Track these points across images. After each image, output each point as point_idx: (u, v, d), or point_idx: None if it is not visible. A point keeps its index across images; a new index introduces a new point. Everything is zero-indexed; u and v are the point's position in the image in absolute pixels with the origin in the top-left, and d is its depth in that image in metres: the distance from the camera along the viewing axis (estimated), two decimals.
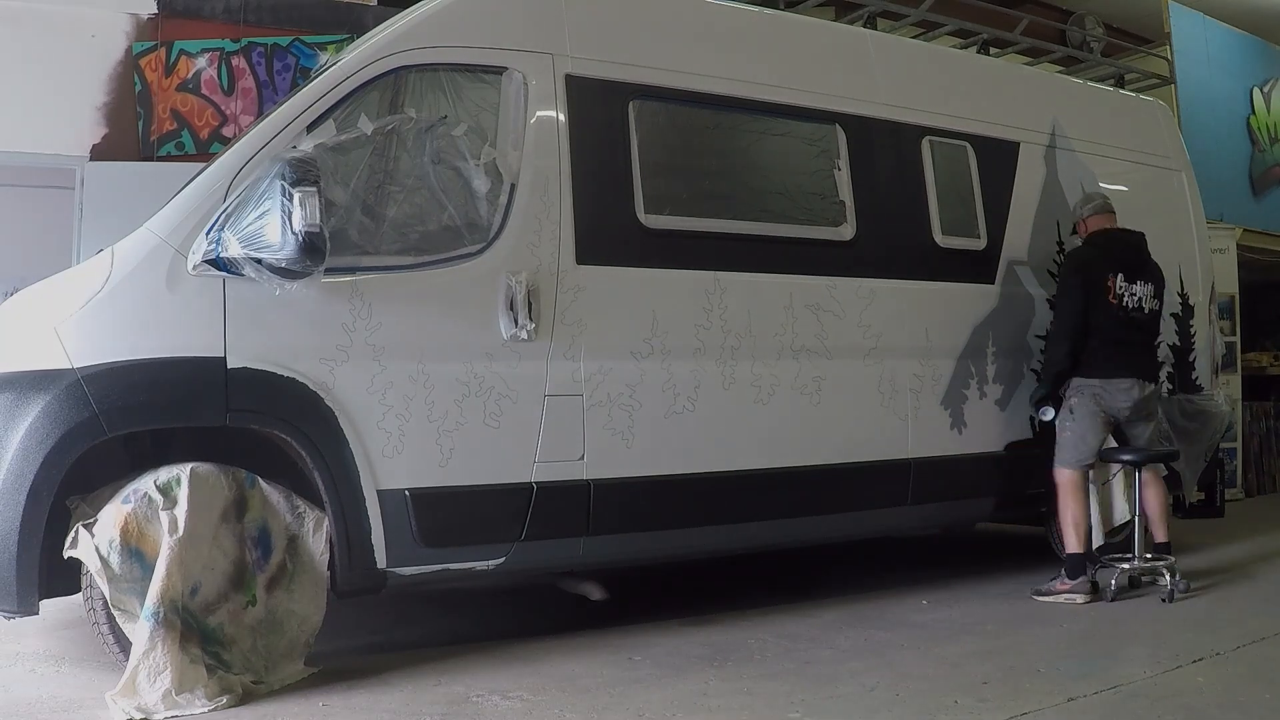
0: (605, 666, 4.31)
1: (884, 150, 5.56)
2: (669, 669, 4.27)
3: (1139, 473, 5.67)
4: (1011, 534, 7.27)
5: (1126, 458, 5.70)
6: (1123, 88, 7.63)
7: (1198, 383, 6.83)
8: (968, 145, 5.89)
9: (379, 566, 4.19)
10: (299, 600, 4.05)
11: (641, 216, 4.75)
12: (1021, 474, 5.96)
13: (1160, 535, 5.76)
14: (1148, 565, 5.57)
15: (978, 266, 5.84)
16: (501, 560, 4.45)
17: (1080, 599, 5.36)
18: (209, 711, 3.65)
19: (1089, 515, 5.65)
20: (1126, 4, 10.93)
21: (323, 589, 4.10)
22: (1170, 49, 9.86)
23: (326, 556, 4.09)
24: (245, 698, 3.77)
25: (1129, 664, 4.28)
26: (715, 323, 4.88)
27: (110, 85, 6.86)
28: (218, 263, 3.89)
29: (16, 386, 3.78)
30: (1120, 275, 5.65)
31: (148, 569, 3.72)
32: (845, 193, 5.35)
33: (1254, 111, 11.09)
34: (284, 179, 3.82)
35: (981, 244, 5.87)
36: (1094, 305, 5.62)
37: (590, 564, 4.83)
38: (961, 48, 7.27)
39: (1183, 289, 6.82)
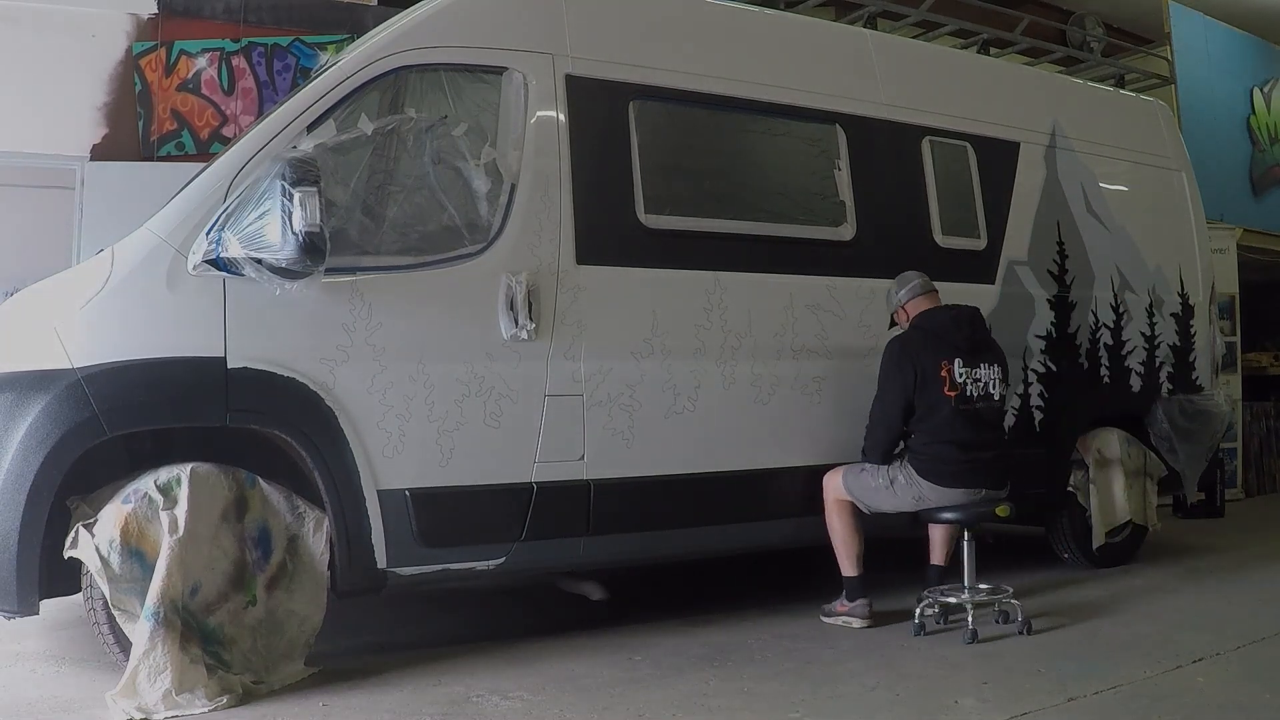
0: (605, 666, 4.31)
1: (884, 150, 5.56)
2: (669, 669, 4.27)
3: (966, 531, 4.92)
4: (1011, 534, 7.27)
5: (950, 516, 4.93)
6: (1123, 88, 7.65)
7: (1198, 383, 6.83)
8: (968, 145, 5.89)
9: (379, 566, 4.19)
10: (299, 600, 4.05)
11: (642, 216, 4.75)
12: (1021, 473, 5.95)
13: (939, 558, 5.25)
14: (981, 599, 4.84)
15: (978, 266, 5.84)
16: (501, 560, 4.45)
17: (857, 623, 4.86)
18: (209, 711, 3.65)
19: (858, 535, 4.94)
20: (1126, 4, 10.93)
21: (323, 589, 4.10)
22: (1170, 49, 9.88)
23: (326, 556, 4.09)
24: (245, 698, 3.77)
25: (1129, 664, 4.28)
26: (715, 323, 4.88)
27: (110, 85, 6.86)
28: (218, 263, 3.89)
29: (17, 386, 3.78)
30: (959, 361, 4.85)
31: (148, 569, 3.72)
32: (845, 193, 5.35)
33: (1254, 111, 11.09)
34: (284, 179, 3.82)
35: (981, 244, 5.88)
36: (923, 401, 4.81)
37: (590, 564, 4.83)
38: (961, 48, 7.29)
39: (1183, 289, 6.83)
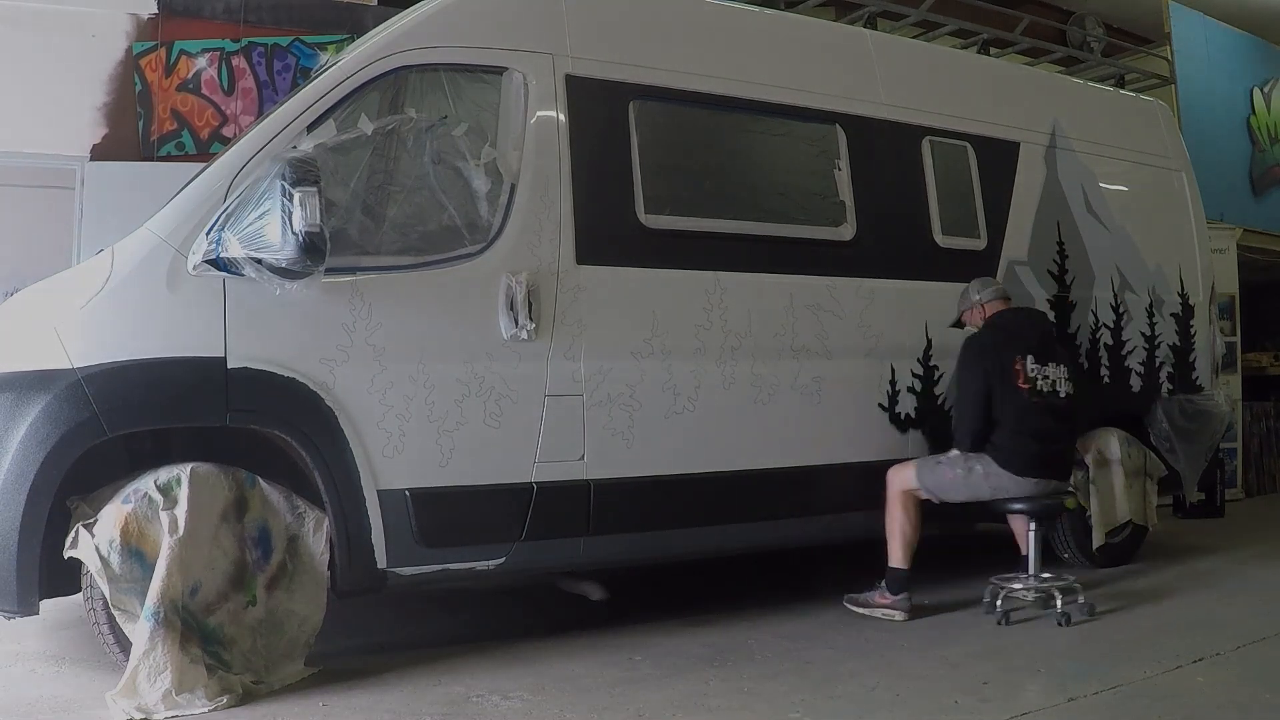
0: (605, 666, 4.31)
1: (884, 150, 5.56)
2: (669, 669, 4.27)
3: (1034, 521, 5.19)
4: (1011, 534, 7.25)
5: (1020, 507, 5.18)
6: (1123, 88, 7.64)
7: (1198, 383, 6.83)
8: (968, 145, 5.89)
9: (379, 566, 4.19)
10: (299, 600, 4.05)
11: (642, 216, 4.75)
12: None
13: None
14: (1043, 585, 5.10)
15: (978, 266, 5.83)
16: (502, 560, 4.45)
17: (899, 616, 4.98)
18: (209, 711, 3.65)
19: (918, 530, 5.12)
20: (1126, 4, 10.93)
21: (323, 589, 4.10)
22: (1170, 49, 9.87)
23: (326, 556, 4.09)
24: (245, 698, 3.77)
25: (1129, 664, 4.28)
26: (715, 323, 4.88)
27: (110, 85, 6.86)
28: (218, 263, 3.89)
29: (17, 386, 3.77)
30: (1030, 357, 5.13)
31: (148, 569, 3.72)
32: (845, 193, 5.35)
33: (1254, 111, 11.09)
34: (284, 179, 3.82)
35: (981, 244, 5.88)
36: (1002, 393, 5.07)
37: (590, 564, 4.83)
38: (961, 48, 7.28)
39: (1183, 289, 6.83)
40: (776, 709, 3.78)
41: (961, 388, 5.24)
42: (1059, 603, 4.94)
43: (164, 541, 3.73)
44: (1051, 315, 6.09)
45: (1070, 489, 5.34)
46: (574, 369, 4.52)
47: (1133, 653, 4.46)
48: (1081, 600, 5.03)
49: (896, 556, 5.08)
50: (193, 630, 3.75)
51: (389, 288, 4.19)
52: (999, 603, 5.03)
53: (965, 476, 5.08)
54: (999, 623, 4.91)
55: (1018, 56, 8.37)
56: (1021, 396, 5.06)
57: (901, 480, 5.15)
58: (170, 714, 3.60)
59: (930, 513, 5.17)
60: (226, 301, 3.93)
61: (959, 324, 5.47)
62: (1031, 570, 5.15)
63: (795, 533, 5.25)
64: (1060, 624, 4.85)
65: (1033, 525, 5.16)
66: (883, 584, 5.08)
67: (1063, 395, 5.18)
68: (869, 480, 5.26)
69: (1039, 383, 5.11)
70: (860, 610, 5.06)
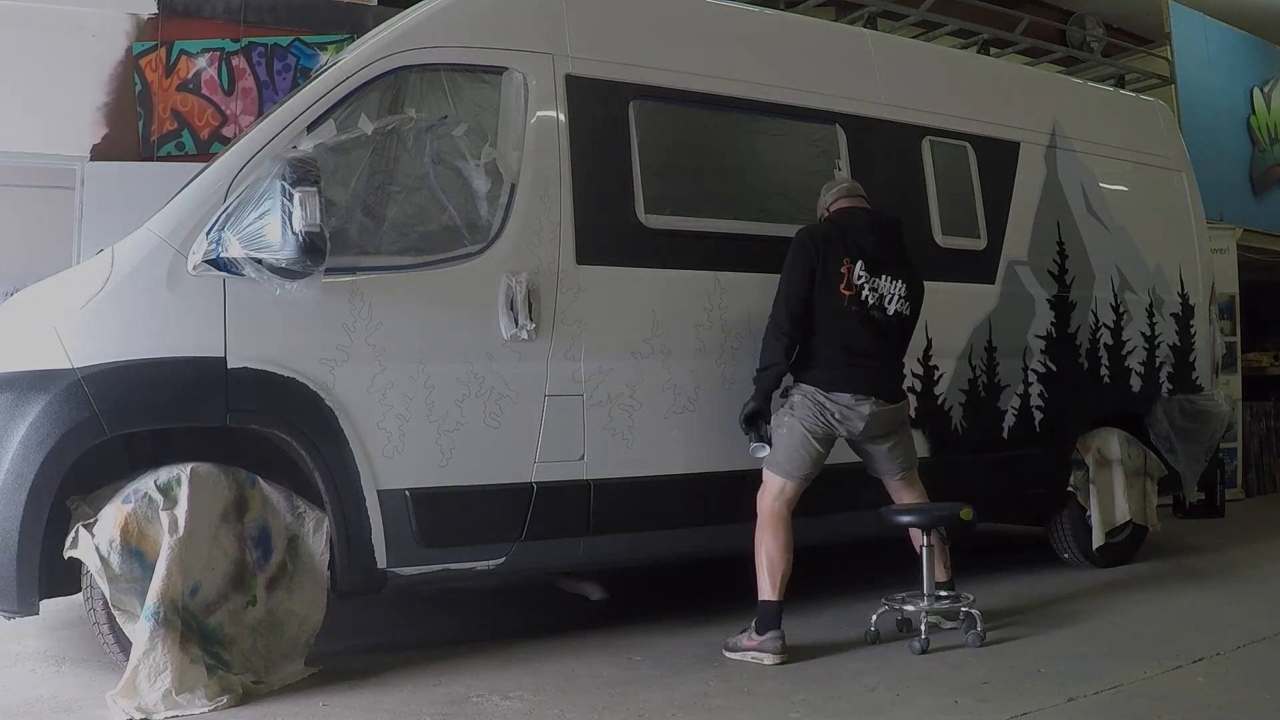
0: (605, 666, 4.32)
1: (884, 150, 5.56)
2: (669, 669, 4.27)
3: (925, 534, 4.76)
4: (1011, 534, 7.27)
5: (908, 519, 4.80)
6: (1123, 88, 7.64)
7: (1198, 383, 6.83)
8: (968, 145, 5.89)
9: (379, 566, 4.19)
10: (299, 600, 4.05)
11: (642, 216, 4.75)
12: (1021, 474, 5.96)
13: (943, 573, 4.92)
14: (940, 607, 4.71)
15: (978, 266, 5.84)
16: (502, 560, 4.45)
17: (769, 659, 4.34)
18: (209, 711, 3.65)
19: (786, 559, 4.52)
20: (1126, 4, 10.93)
21: (323, 589, 4.10)
22: (1170, 49, 9.87)
23: (326, 556, 4.09)
24: (245, 698, 3.77)
25: (1129, 664, 4.28)
26: (715, 323, 4.88)
27: (110, 85, 6.86)
28: (218, 263, 3.89)
29: (17, 386, 3.77)
30: (860, 264, 4.62)
31: (148, 569, 3.72)
32: None
33: (1254, 111, 11.09)
34: (284, 179, 3.82)
35: (981, 244, 5.88)
36: (821, 295, 4.58)
37: (590, 564, 4.83)
38: (961, 48, 7.28)
39: (1183, 289, 6.83)
40: (776, 709, 3.78)
41: (781, 285, 4.66)
42: (923, 628, 4.54)
43: (164, 541, 3.73)
44: (1052, 315, 6.10)
45: (894, 409, 4.72)
46: (574, 369, 4.52)
47: (1133, 653, 4.46)
48: (979, 626, 4.61)
49: (766, 588, 4.48)
50: (193, 630, 3.75)
51: (389, 288, 4.19)
52: (874, 623, 4.66)
53: (791, 417, 4.56)
54: (870, 642, 4.59)
55: (1018, 56, 8.36)
56: (839, 302, 4.57)
57: (763, 489, 4.62)
58: (170, 714, 3.60)
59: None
60: (226, 301, 3.93)
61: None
62: (925, 589, 4.72)
63: (796, 533, 5.24)
64: (916, 650, 4.46)
65: (926, 538, 4.74)
66: (754, 622, 4.48)
67: (891, 312, 4.67)
68: (868, 480, 5.26)
69: (864, 292, 4.61)
70: (733, 655, 4.45)
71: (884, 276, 4.67)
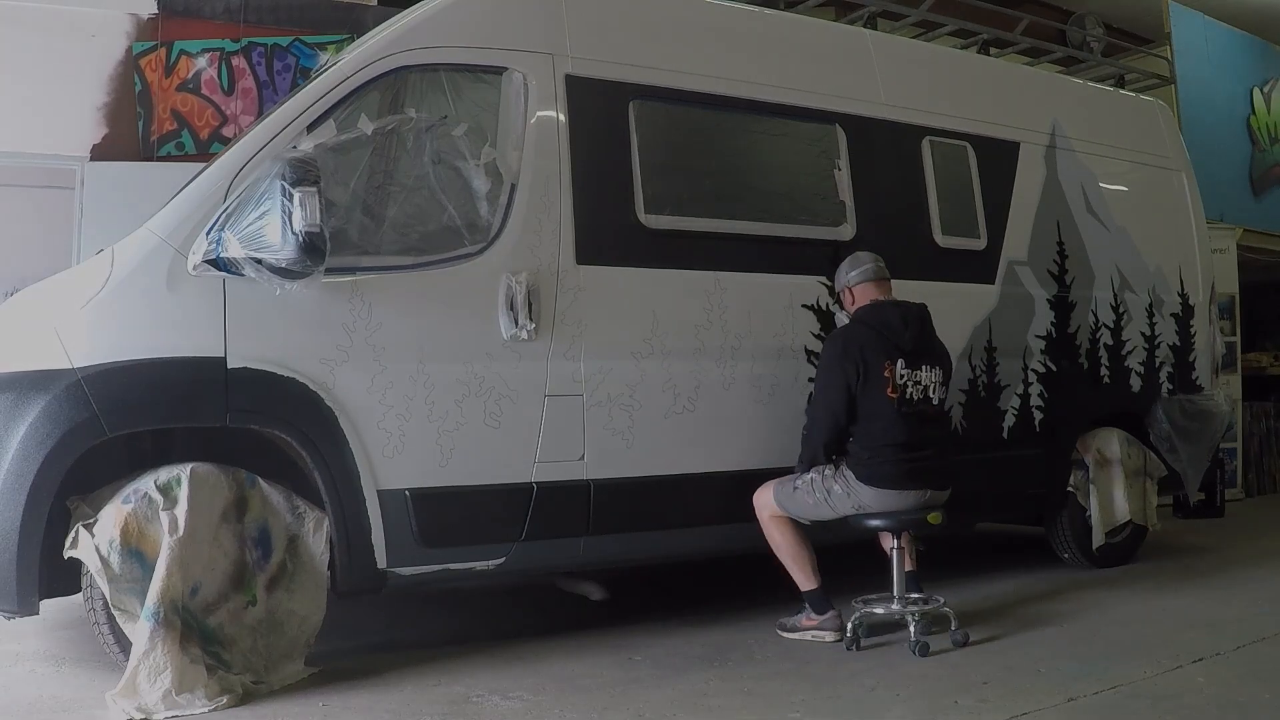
0: (605, 666, 4.32)
1: (884, 150, 5.56)
2: (669, 669, 4.27)
3: (895, 537, 4.70)
4: (1011, 534, 7.27)
5: (878, 524, 4.69)
6: (1123, 88, 7.64)
7: (1198, 383, 6.83)
8: (968, 145, 5.89)
9: (379, 566, 4.19)
10: (299, 600, 4.05)
11: (641, 216, 4.75)
12: (1020, 473, 5.96)
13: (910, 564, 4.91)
14: (908, 609, 4.62)
15: (978, 266, 5.84)
16: (502, 560, 4.45)
17: (829, 636, 4.60)
18: (209, 711, 3.65)
19: (806, 545, 4.70)
20: (1126, 4, 10.93)
21: (323, 589, 4.10)
22: (1170, 49, 9.87)
23: (326, 556, 4.09)
24: (245, 698, 3.77)
25: (1129, 664, 4.28)
26: (715, 323, 4.88)
27: (110, 85, 6.86)
28: (218, 263, 3.89)
29: (17, 386, 3.77)
30: (900, 362, 4.63)
31: (148, 569, 3.72)
32: (845, 193, 5.35)
33: (1254, 111, 11.09)
34: (284, 179, 3.82)
35: (981, 244, 5.88)
36: (866, 399, 4.59)
37: (590, 564, 4.83)
38: (961, 48, 7.29)
39: (1183, 289, 6.83)
40: (776, 709, 3.78)
41: (819, 392, 4.72)
42: (913, 629, 4.50)
43: (164, 541, 3.73)
44: (1052, 315, 6.10)
45: (943, 498, 4.72)
46: (574, 369, 4.52)
47: (1133, 653, 4.46)
48: (955, 627, 4.57)
49: (801, 579, 4.70)
50: (193, 630, 3.75)
51: (389, 288, 4.19)
52: (855, 625, 4.56)
53: (826, 499, 4.61)
54: (848, 648, 4.50)
55: (1018, 56, 8.37)
56: (890, 406, 4.59)
57: (764, 505, 4.74)
58: (170, 714, 3.60)
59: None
60: (226, 301, 3.93)
61: (838, 302, 5.06)
62: (895, 591, 4.67)
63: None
64: (915, 653, 4.39)
65: (895, 542, 4.68)
66: (806, 607, 4.72)
67: (935, 401, 4.74)
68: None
69: (909, 390, 4.64)
70: (790, 635, 4.70)
71: (923, 368, 4.71)
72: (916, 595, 4.75)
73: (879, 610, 4.65)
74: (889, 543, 4.75)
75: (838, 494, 4.61)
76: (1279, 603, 5.47)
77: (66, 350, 3.78)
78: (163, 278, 3.89)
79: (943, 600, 4.71)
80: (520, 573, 5.05)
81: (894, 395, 4.60)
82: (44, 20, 6.68)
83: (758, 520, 4.78)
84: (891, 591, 4.68)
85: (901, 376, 4.62)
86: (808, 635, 4.67)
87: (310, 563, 4.08)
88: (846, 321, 4.90)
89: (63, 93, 6.72)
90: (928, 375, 4.70)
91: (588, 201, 4.61)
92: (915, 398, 4.66)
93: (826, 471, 4.65)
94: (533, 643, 4.65)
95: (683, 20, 5.18)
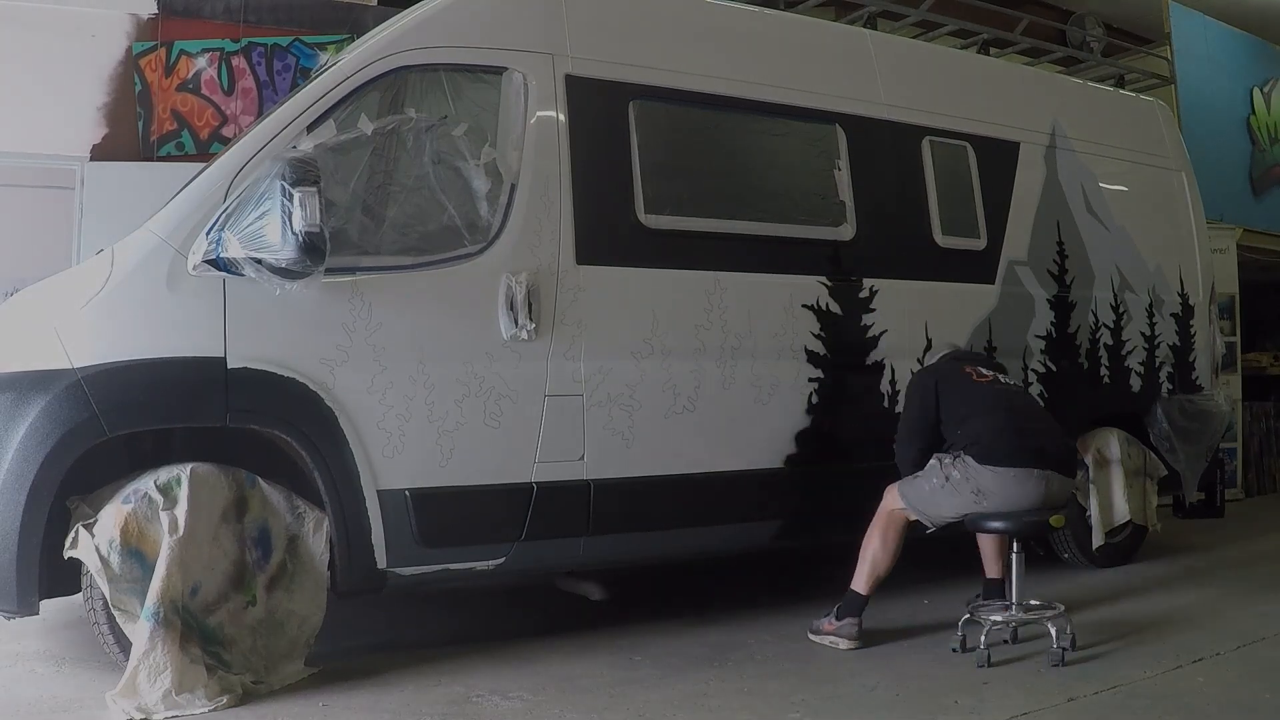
0: (605, 666, 4.32)
1: (884, 150, 5.55)
2: (669, 669, 4.27)
3: (1014, 543, 4.59)
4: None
5: (998, 525, 4.58)
6: (1123, 88, 7.64)
7: (1198, 383, 6.83)
8: (968, 145, 5.89)
9: (379, 566, 4.19)
10: (299, 600, 4.05)
11: (641, 216, 4.75)
12: None
13: (993, 570, 5.00)
14: (1030, 617, 4.53)
15: (978, 266, 5.84)
16: (502, 560, 4.45)
17: (844, 644, 4.55)
18: (209, 711, 3.65)
19: (892, 559, 4.63)
20: (1126, 4, 10.93)
21: (323, 589, 4.10)
22: (1170, 49, 9.87)
23: (326, 556, 4.09)
24: (245, 698, 3.77)
25: (1129, 664, 4.28)
26: (715, 323, 4.87)
27: (110, 85, 6.86)
28: (218, 263, 3.89)
29: (17, 387, 3.77)
30: (981, 367, 4.91)
31: (148, 569, 3.72)
32: (845, 193, 5.35)
33: (1254, 111, 11.09)
34: (284, 179, 3.82)
35: (981, 244, 5.87)
36: (959, 398, 4.68)
37: (590, 564, 4.83)
38: (961, 48, 7.29)
39: (1183, 289, 6.83)
40: (776, 709, 3.78)
41: (906, 410, 4.92)
42: (1054, 638, 4.33)
43: (164, 541, 3.73)
44: (1052, 315, 6.11)
45: (1071, 483, 4.68)
46: (574, 369, 4.52)
47: (1133, 653, 4.46)
48: (1068, 630, 4.41)
49: (860, 580, 4.64)
50: (193, 630, 3.75)
51: (389, 288, 4.19)
52: (982, 638, 4.36)
53: (944, 485, 4.53)
54: (979, 665, 4.27)
55: (1018, 56, 8.37)
56: (982, 387, 4.71)
57: (890, 498, 4.71)
58: (170, 714, 3.60)
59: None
60: (226, 301, 3.93)
61: None
62: (1014, 598, 4.57)
63: (796, 533, 5.25)
64: (1056, 665, 4.24)
65: (1015, 546, 4.56)
66: (836, 607, 4.67)
67: (1024, 390, 5.01)
68: (867, 482, 5.26)
69: (999, 379, 4.85)
70: (815, 638, 4.66)
71: (1002, 377, 4.93)
72: (1036, 603, 4.62)
73: (998, 617, 4.52)
74: (991, 547, 4.93)
75: (956, 479, 4.51)
76: (1279, 603, 5.47)
77: (66, 350, 3.78)
78: (163, 278, 3.89)
79: (1062, 607, 4.54)
80: (520, 573, 5.05)
81: (985, 379, 4.75)
82: (44, 20, 6.69)
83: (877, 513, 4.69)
84: (1010, 599, 4.58)
85: (985, 371, 4.84)
86: (826, 640, 4.64)
87: (310, 563, 4.08)
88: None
89: (63, 93, 6.72)
90: (1007, 378, 4.98)
91: (588, 201, 4.60)
92: (1010, 384, 4.89)
93: (945, 460, 4.60)
94: (532, 643, 4.65)
95: (683, 20, 5.18)
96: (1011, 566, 4.58)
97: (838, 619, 4.63)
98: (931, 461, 4.64)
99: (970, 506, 4.52)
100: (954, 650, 4.47)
